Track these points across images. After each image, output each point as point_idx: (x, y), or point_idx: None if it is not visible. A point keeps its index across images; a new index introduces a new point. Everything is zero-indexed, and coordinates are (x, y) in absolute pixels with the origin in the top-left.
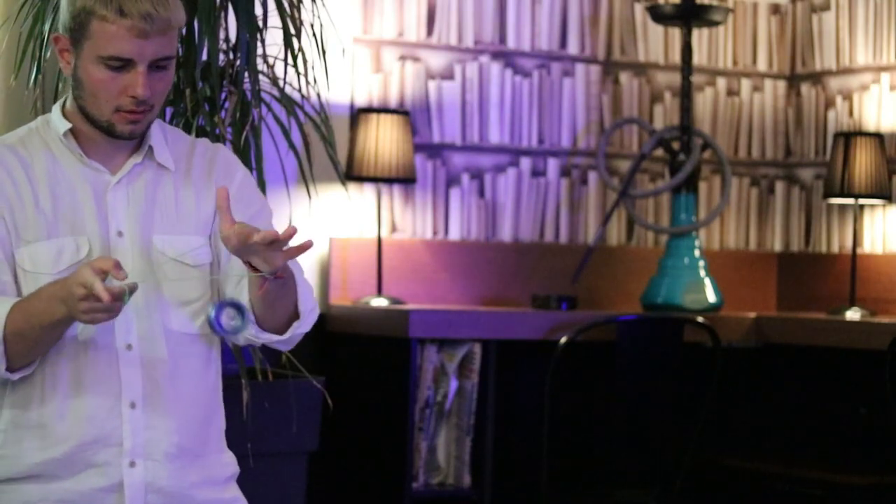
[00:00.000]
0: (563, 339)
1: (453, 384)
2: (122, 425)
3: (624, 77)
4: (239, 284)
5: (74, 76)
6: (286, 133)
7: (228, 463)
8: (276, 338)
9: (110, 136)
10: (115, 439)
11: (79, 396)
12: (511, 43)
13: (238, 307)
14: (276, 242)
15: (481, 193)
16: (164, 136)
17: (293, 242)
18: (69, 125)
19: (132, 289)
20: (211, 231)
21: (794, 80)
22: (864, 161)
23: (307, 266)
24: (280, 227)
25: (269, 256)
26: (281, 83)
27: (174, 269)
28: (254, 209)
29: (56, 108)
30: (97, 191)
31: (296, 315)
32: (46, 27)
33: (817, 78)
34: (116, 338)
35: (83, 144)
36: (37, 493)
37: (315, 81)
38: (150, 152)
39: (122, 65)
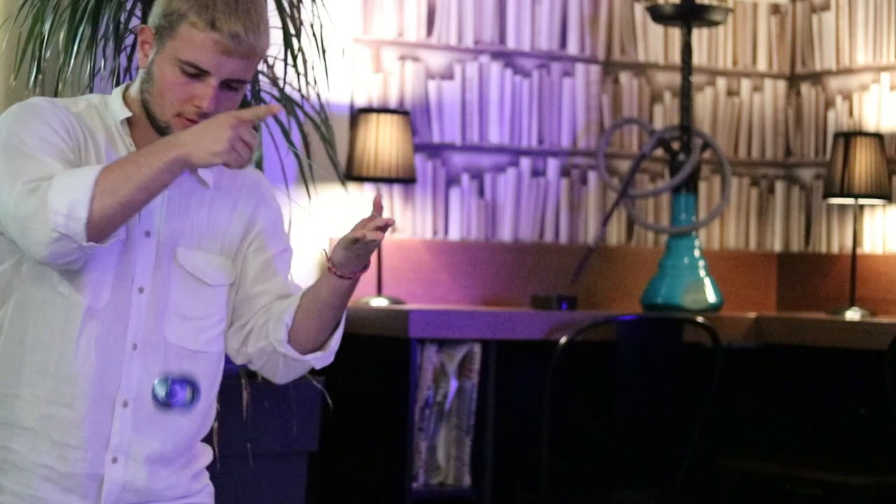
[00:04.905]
0: (563, 339)
1: (453, 384)
2: (111, 420)
3: (624, 77)
4: (269, 305)
5: (148, 70)
6: (286, 133)
7: (203, 457)
8: (318, 354)
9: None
10: (104, 431)
11: (90, 374)
12: (511, 43)
13: (192, 383)
14: (373, 242)
15: (481, 193)
16: None
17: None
18: (129, 113)
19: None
20: (236, 252)
21: (794, 80)
22: (864, 161)
23: (308, 267)
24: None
25: (360, 254)
26: (281, 83)
27: (189, 283)
28: (280, 247)
29: (118, 92)
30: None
31: (336, 327)
32: (46, 27)
33: (817, 78)
34: (128, 333)
35: (134, 135)
36: (28, 456)
37: (315, 81)
38: None
39: (197, 73)
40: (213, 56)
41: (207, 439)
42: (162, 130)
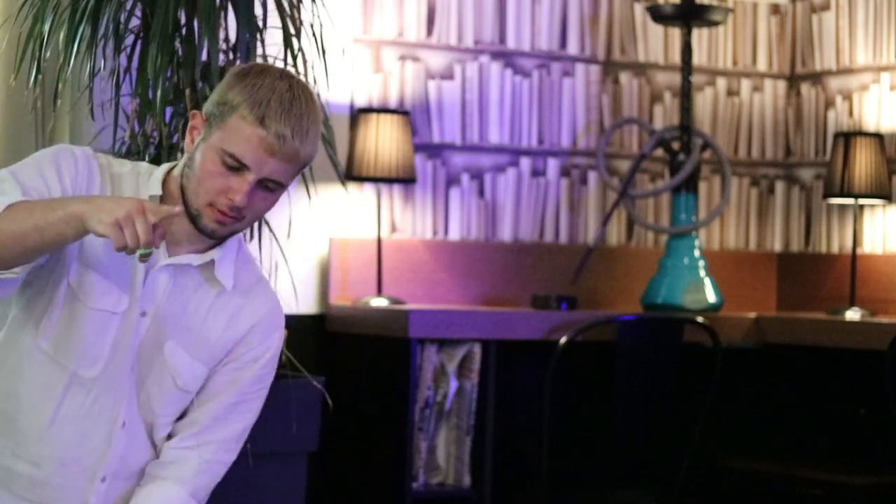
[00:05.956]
0: (563, 339)
1: (453, 384)
2: (90, 494)
3: (624, 77)
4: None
5: (192, 156)
6: None
7: None
8: None
9: (193, 224)
10: (79, 499)
11: (68, 441)
12: (511, 43)
13: None
14: None
15: (481, 193)
16: (235, 256)
17: None
18: (159, 192)
19: (146, 255)
20: (215, 364)
21: (794, 80)
22: (863, 161)
23: (308, 266)
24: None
25: None
26: None
27: (163, 378)
28: (258, 374)
29: (164, 167)
30: (148, 262)
31: None
32: (46, 27)
33: (817, 78)
34: (122, 411)
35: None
36: None
37: (315, 81)
38: (210, 264)
39: (237, 167)
40: (256, 152)
41: None
42: (193, 217)
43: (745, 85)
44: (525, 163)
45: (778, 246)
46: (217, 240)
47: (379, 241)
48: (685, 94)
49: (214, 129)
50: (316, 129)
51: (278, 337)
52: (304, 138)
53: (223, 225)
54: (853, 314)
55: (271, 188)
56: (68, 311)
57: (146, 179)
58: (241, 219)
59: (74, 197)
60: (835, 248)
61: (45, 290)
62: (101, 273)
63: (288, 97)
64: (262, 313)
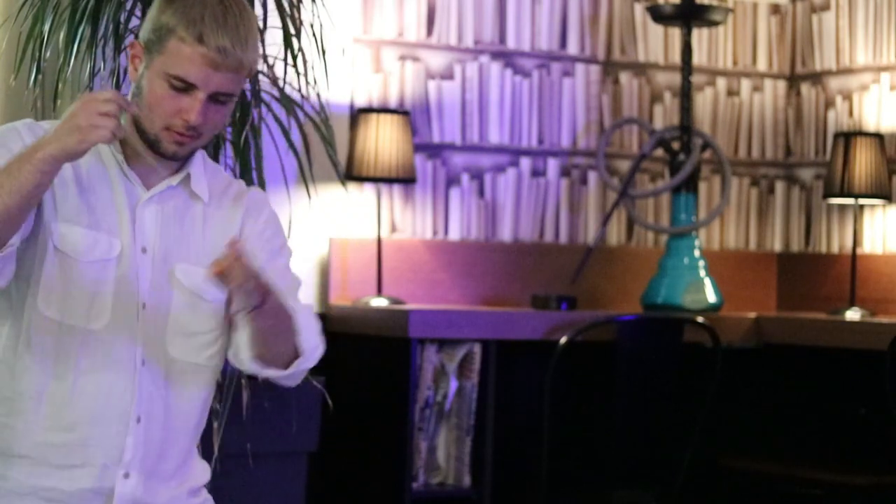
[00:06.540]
0: (563, 339)
1: (453, 384)
2: (126, 436)
3: (624, 77)
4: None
5: (138, 84)
6: (286, 133)
7: (203, 473)
8: (279, 373)
9: (154, 151)
10: (118, 446)
11: (95, 394)
12: (511, 43)
13: None
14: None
15: (481, 193)
16: (203, 167)
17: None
18: None
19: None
20: None
21: (794, 80)
22: (864, 161)
23: (308, 266)
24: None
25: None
26: (281, 83)
27: (188, 299)
28: (267, 256)
29: None
30: (131, 201)
31: (297, 353)
32: (46, 27)
33: (817, 78)
34: (137, 350)
35: (126, 152)
36: (25, 482)
37: (315, 81)
38: (186, 179)
39: (185, 87)
40: (201, 70)
41: (207, 438)
42: (152, 144)
43: (745, 85)
44: (525, 163)
45: (778, 246)
46: (180, 160)
47: (379, 241)
48: (685, 94)
49: (155, 55)
50: (255, 35)
51: (268, 211)
52: (245, 47)
53: (182, 145)
54: (853, 314)
55: (223, 101)
56: (63, 272)
57: None
58: (200, 136)
59: (33, 146)
60: (835, 248)
61: (34, 262)
62: (83, 225)
63: (220, 10)
64: (244, 205)
